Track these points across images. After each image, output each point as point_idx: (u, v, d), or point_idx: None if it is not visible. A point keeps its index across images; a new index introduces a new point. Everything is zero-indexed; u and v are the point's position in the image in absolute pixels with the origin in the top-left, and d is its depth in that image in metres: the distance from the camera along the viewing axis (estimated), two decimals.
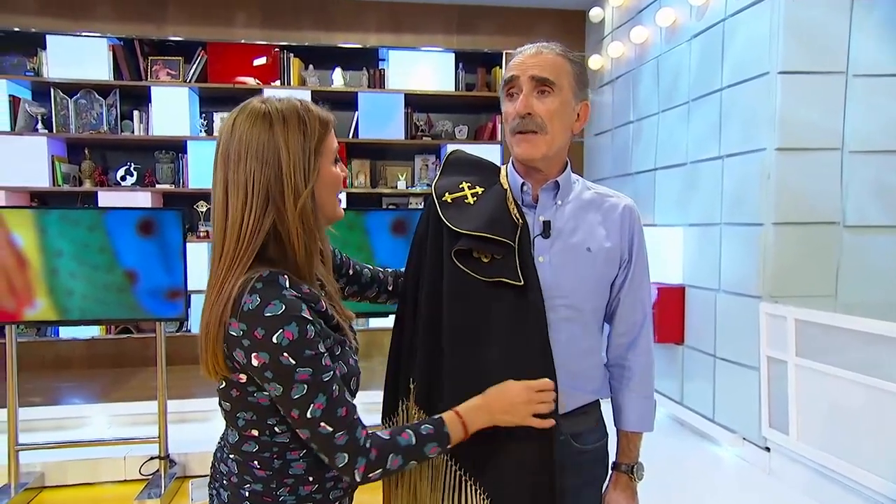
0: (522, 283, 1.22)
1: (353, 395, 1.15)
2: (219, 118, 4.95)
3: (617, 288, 1.36)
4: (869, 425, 2.50)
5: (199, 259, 4.82)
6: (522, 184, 1.33)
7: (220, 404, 1.12)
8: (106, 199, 4.70)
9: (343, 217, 1.18)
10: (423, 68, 5.17)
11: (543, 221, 1.30)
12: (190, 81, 4.87)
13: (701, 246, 3.60)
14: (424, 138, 5.25)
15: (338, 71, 5.10)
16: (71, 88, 4.75)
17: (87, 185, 4.78)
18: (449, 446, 1.11)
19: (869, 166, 3.06)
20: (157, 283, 2.95)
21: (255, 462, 1.09)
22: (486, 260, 1.26)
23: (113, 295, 2.93)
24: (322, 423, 1.01)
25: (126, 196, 4.73)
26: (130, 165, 4.90)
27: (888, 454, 2.42)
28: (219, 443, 1.19)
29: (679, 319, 3.75)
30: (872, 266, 3.08)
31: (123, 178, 4.89)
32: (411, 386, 1.32)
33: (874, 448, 2.48)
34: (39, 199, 4.84)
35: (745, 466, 3.18)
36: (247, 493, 1.09)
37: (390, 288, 1.49)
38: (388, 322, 1.44)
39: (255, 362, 0.99)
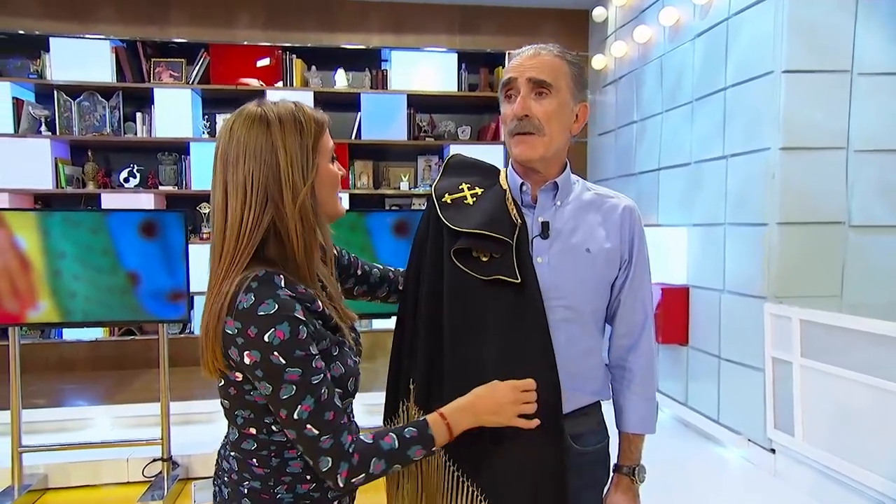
0: (520, 281, 1.23)
1: (352, 396, 1.16)
2: (221, 120, 4.95)
3: (617, 289, 1.36)
4: (875, 427, 2.48)
5: (201, 261, 4.78)
6: (521, 184, 1.34)
7: (221, 402, 1.14)
8: (109, 200, 4.71)
9: (344, 214, 1.19)
10: (426, 69, 5.17)
11: (542, 222, 1.30)
12: (192, 83, 4.88)
13: (705, 246, 3.58)
14: (427, 139, 5.24)
15: (340, 72, 5.10)
16: (74, 90, 4.76)
17: (91, 187, 4.79)
18: (434, 448, 1.11)
19: (874, 165, 3.04)
20: (160, 284, 2.95)
21: (254, 460, 1.10)
22: (484, 259, 1.26)
23: (115, 297, 2.93)
24: (308, 426, 1.01)
25: (129, 198, 4.73)
26: (133, 167, 4.91)
27: (894, 455, 2.40)
28: (223, 440, 1.21)
29: (683, 320, 3.73)
30: (878, 266, 3.06)
31: (126, 180, 4.89)
32: (411, 387, 1.32)
33: (880, 449, 2.46)
34: (43, 202, 4.85)
35: (751, 468, 3.16)
36: (246, 490, 1.11)
37: (400, 287, 1.48)
38: (392, 323, 1.46)
39: (247, 360, 1.00)
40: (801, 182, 3.01)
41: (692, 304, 3.71)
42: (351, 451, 1.03)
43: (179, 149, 4.92)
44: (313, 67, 5.10)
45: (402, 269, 1.51)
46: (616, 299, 1.37)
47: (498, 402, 1.14)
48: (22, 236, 2.85)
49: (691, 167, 3.73)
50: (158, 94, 4.77)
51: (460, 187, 1.37)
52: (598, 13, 4.87)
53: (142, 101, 4.90)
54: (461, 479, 1.25)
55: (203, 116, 5.02)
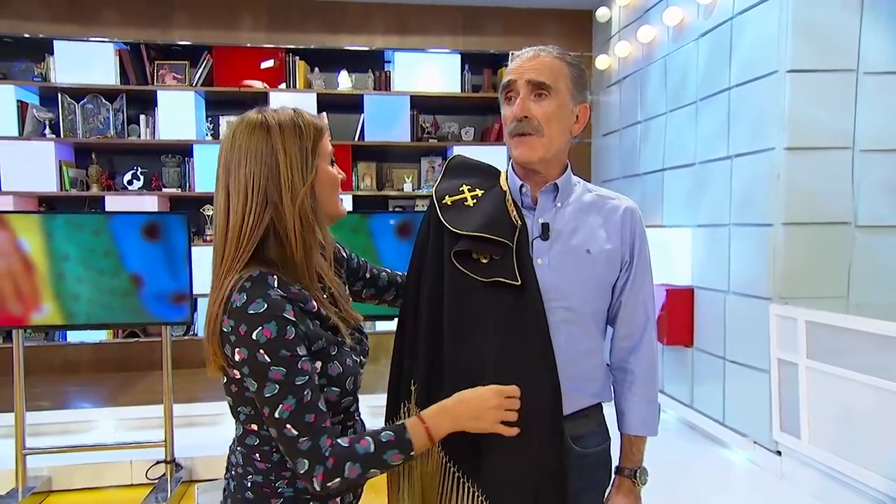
0: (520, 283, 1.23)
1: (352, 395, 1.17)
2: (225, 122, 4.96)
3: (618, 290, 1.36)
4: (882, 428, 2.46)
5: (205, 263, 4.77)
6: (521, 186, 1.34)
7: (227, 399, 1.17)
8: (113, 203, 4.72)
9: (345, 215, 1.23)
10: (429, 70, 5.16)
11: (542, 223, 1.31)
12: (196, 85, 4.88)
13: (710, 247, 3.56)
14: (430, 140, 5.23)
15: (343, 73, 5.09)
16: (78, 93, 4.77)
17: (95, 190, 4.80)
18: (413, 453, 1.09)
19: (881, 165, 3.02)
20: (163, 287, 2.95)
21: (257, 455, 1.14)
22: (484, 261, 1.26)
23: (118, 299, 2.93)
24: (288, 426, 1.03)
25: (133, 200, 4.74)
26: (137, 170, 4.92)
27: None
28: (234, 435, 1.24)
29: (688, 322, 3.71)
30: (885, 266, 3.04)
31: (130, 183, 4.90)
32: (412, 388, 1.33)
33: (887, 452, 2.43)
34: (47, 204, 4.86)
35: (757, 471, 3.14)
36: (249, 484, 1.14)
37: None
38: (394, 325, 1.47)
39: (237, 357, 1.04)
40: (806, 182, 3.00)
41: (697, 306, 3.69)
42: (327, 454, 1.03)
43: (183, 151, 4.92)
44: (316, 69, 5.09)
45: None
46: (617, 301, 1.36)
47: (481, 406, 1.13)
48: (25, 239, 2.85)
49: (696, 168, 3.71)
50: (162, 96, 4.78)
51: (461, 189, 1.37)
52: (601, 13, 4.85)
53: (145, 104, 4.90)
54: (462, 481, 1.26)
55: (206, 118, 5.03)
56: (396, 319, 1.45)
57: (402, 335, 1.38)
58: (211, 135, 4.99)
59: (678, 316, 3.72)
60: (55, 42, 4.67)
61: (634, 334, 1.37)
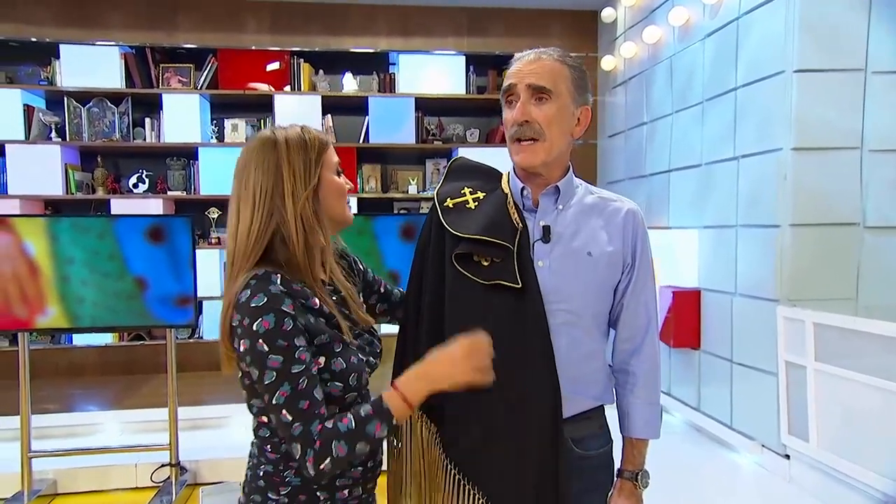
0: (520, 286, 1.23)
1: (356, 391, 1.20)
2: (229, 124, 4.96)
3: (620, 293, 1.36)
4: (891, 432, 2.43)
5: (210, 265, 4.84)
6: (522, 188, 1.34)
7: (243, 393, 1.23)
8: (118, 206, 4.73)
9: (352, 222, 1.31)
10: (434, 72, 5.15)
11: (543, 226, 1.31)
12: (201, 88, 4.89)
13: (716, 248, 3.54)
14: (435, 142, 5.22)
15: (348, 76, 5.09)
16: (84, 97, 4.79)
17: (100, 193, 4.81)
18: (394, 421, 1.12)
19: (889, 165, 2.99)
20: (167, 289, 2.95)
21: (268, 446, 1.21)
22: (485, 263, 1.27)
23: (123, 302, 2.93)
24: (283, 411, 1.08)
25: (138, 203, 4.76)
26: (142, 173, 4.93)
27: None
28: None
29: (695, 324, 3.69)
30: (894, 268, 3.00)
31: (136, 186, 4.91)
32: None
33: None
34: (53, 207, 4.88)
35: (765, 474, 3.11)
36: (261, 473, 1.22)
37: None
38: (397, 328, 1.49)
39: (241, 348, 1.11)
40: (814, 183, 2.97)
41: (704, 308, 3.66)
42: (315, 438, 1.07)
43: (188, 154, 4.93)
44: (321, 71, 5.10)
45: None
46: (619, 303, 1.36)
47: (450, 360, 1.15)
48: (30, 242, 2.86)
49: (702, 168, 3.69)
50: (167, 99, 4.79)
51: (462, 191, 1.37)
52: (607, 14, 4.84)
53: (150, 107, 4.92)
54: (462, 483, 1.26)
55: (211, 121, 5.04)
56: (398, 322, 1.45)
57: (404, 337, 1.38)
58: (216, 137, 4.99)
59: (685, 318, 3.69)
60: (61, 46, 4.69)
61: (636, 336, 1.37)
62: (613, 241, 1.32)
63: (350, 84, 5.09)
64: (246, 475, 1.27)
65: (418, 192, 5.21)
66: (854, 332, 2.60)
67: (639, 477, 1.37)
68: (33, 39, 4.72)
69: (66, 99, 4.74)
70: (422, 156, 5.36)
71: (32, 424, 2.98)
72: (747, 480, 3.11)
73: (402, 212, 5.23)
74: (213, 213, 4.93)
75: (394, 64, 5.25)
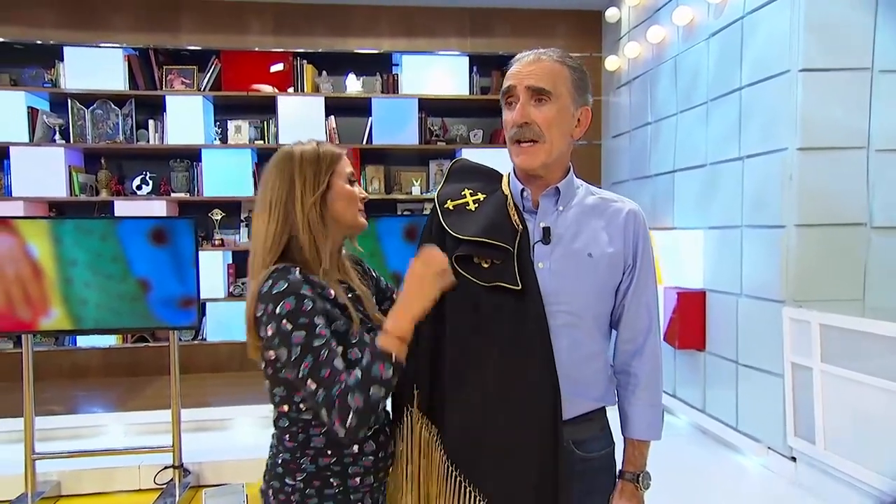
0: (520, 287, 1.24)
1: None
2: (233, 126, 4.96)
3: (622, 294, 1.36)
4: None
5: (214, 267, 4.85)
6: (522, 190, 1.34)
7: (265, 383, 1.33)
8: (122, 208, 4.74)
9: (365, 227, 1.40)
10: (437, 72, 5.14)
11: (543, 227, 1.31)
12: (204, 90, 4.89)
13: (722, 249, 3.52)
14: (439, 143, 5.22)
15: (351, 77, 5.09)
16: (88, 99, 4.79)
17: (104, 195, 4.81)
18: (395, 358, 1.19)
19: None
20: (170, 291, 2.95)
21: (287, 435, 1.32)
22: (486, 265, 1.28)
23: (126, 304, 2.93)
24: (308, 381, 1.18)
25: (142, 205, 4.76)
26: (146, 174, 4.93)
27: None
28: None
29: (700, 325, 3.67)
30: None
31: (139, 188, 4.92)
32: (415, 392, 1.34)
33: None
34: (57, 209, 4.89)
35: (771, 477, 3.09)
36: (280, 461, 1.32)
37: None
38: None
39: (268, 332, 1.21)
40: (819, 183, 2.95)
41: (709, 309, 3.64)
42: (335, 399, 1.17)
43: (191, 156, 4.93)
44: (324, 73, 5.09)
45: None
46: (620, 304, 1.36)
47: (414, 279, 1.23)
48: (34, 244, 2.86)
49: (707, 169, 3.67)
50: (170, 101, 4.79)
51: (462, 193, 1.38)
52: (611, 14, 4.82)
53: (154, 109, 4.92)
54: (463, 485, 1.26)
55: (215, 123, 5.04)
56: None
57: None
58: (219, 139, 4.99)
59: (690, 319, 3.67)
60: (65, 48, 4.70)
61: (638, 338, 1.37)
62: (614, 242, 1.32)
63: (353, 85, 5.09)
64: (266, 463, 1.37)
65: (422, 194, 5.20)
66: (861, 333, 2.58)
67: (640, 479, 1.37)
68: (38, 42, 4.72)
69: (69, 101, 4.75)
70: (425, 157, 5.35)
71: (36, 426, 2.98)
72: (753, 483, 3.08)
73: (405, 213, 5.22)
74: (217, 215, 4.93)
75: (397, 65, 5.25)
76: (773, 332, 3.04)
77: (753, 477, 3.13)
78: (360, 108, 5.10)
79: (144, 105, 4.92)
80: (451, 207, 1.36)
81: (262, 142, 5.00)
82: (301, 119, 4.91)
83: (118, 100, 4.83)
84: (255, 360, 1.31)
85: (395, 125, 5.05)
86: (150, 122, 4.88)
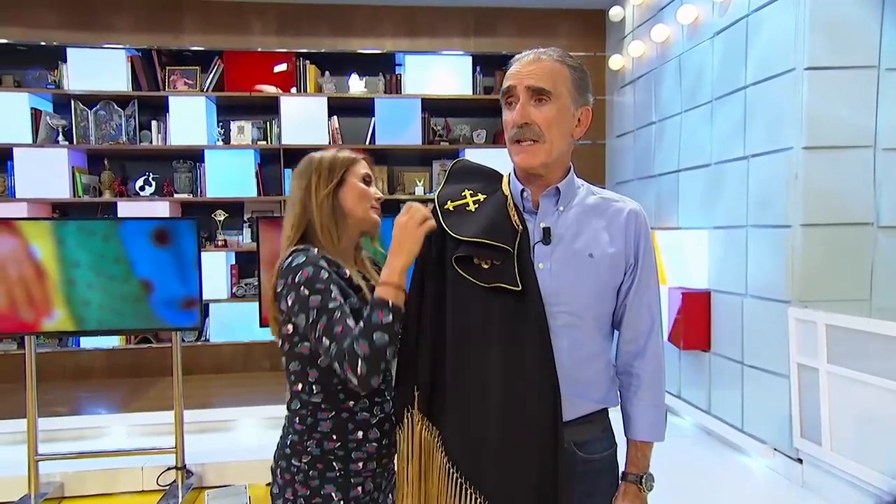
0: (521, 288, 1.23)
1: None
2: (236, 127, 4.95)
3: (623, 294, 1.35)
4: None
5: (217, 268, 4.84)
6: (522, 190, 1.34)
7: (282, 360, 1.46)
8: (125, 209, 4.74)
9: (376, 223, 1.52)
10: (440, 72, 5.13)
11: (543, 228, 1.31)
12: (207, 91, 4.89)
13: (727, 249, 3.49)
14: (442, 143, 5.20)
15: (354, 77, 5.08)
16: (91, 100, 4.80)
17: (107, 196, 4.81)
18: (391, 304, 1.27)
19: None
20: (173, 292, 2.95)
21: (296, 418, 1.42)
22: (486, 266, 1.27)
23: (129, 305, 2.93)
24: (324, 339, 1.28)
25: (145, 206, 4.76)
26: (149, 175, 4.93)
27: None
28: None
29: (705, 325, 3.64)
30: None
31: (142, 188, 4.92)
32: (416, 394, 1.34)
33: None
34: (60, 211, 4.89)
35: (777, 478, 3.07)
36: (288, 442, 1.43)
37: None
38: None
39: (289, 302, 1.34)
40: (825, 182, 2.93)
41: (714, 309, 3.62)
42: (345, 351, 1.25)
43: (194, 156, 4.93)
44: (327, 73, 5.08)
45: None
46: (622, 304, 1.36)
47: (400, 230, 1.32)
48: (37, 245, 2.87)
49: (711, 168, 3.65)
50: (173, 102, 4.79)
51: (462, 194, 1.38)
52: (615, 13, 4.80)
53: (157, 110, 4.92)
54: (463, 485, 1.26)
55: (217, 124, 5.03)
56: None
57: (406, 340, 1.38)
58: (222, 140, 4.99)
59: (695, 320, 3.65)
60: (68, 49, 4.70)
61: (640, 338, 1.36)
62: (615, 242, 1.32)
63: (356, 85, 5.08)
64: (278, 444, 1.47)
65: (425, 194, 5.18)
66: (868, 333, 2.56)
67: (643, 480, 1.36)
68: (41, 43, 4.73)
69: (73, 102, 4.75)
70: (428, 157, 5.33)
71: (39, 427, 2.99)
72: (759, 484, 3.06)
73: None
74: (220, 216, 4.93)
75: (400, 65, 5.24)
76: (779, 332, 3.02)
77: (759, 478, 3.11)
78: (363, 108, 5.09)
79: (147, 106, 4.92)
80: (451, 208, 1.35)
81: (264, 142, 4.99)
82: (304, 119, 4.90)
83: (121, 101, 4.83)
84: (275, 337, 1.44)
85: (398, 125, 5.04)
86: (153, 122, 4.88)
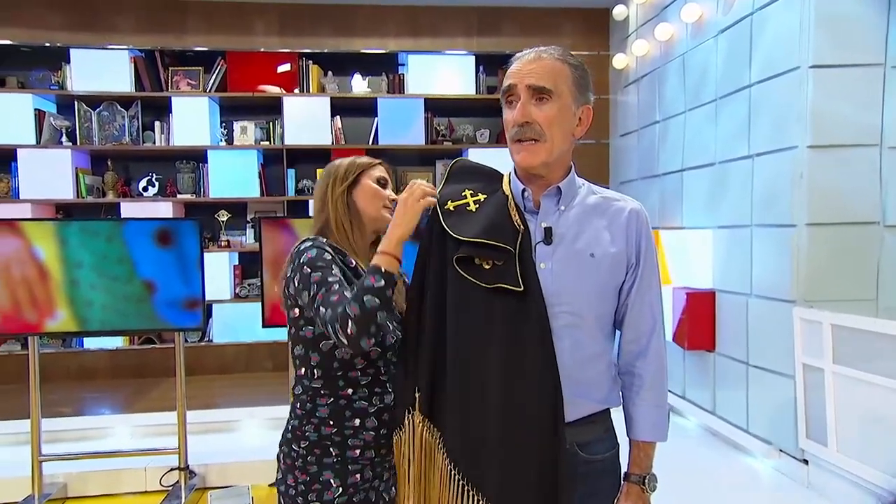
0: (522, 289, 1.23)
1: (377, 344, 1.38)
2: (238, 127, 4.95)
3: (625, 293, 1.34)
4: None
5: (221, 269, 4.85)
6: (523, 190, 1.34)
7: (289, 344, 1.57)
8: (128, 209, 4.75)
9: (386, 223, 1.52)
10: (444, 72, 5.12)
11: (545, 228, 1.30)
12: (210, 91, 4.89)
13: (731, 249, 3.47)
14: (445, 143, 5.19)
15: (357, 77, 5.08)
16: (94, 101, 4.81)
17: (111, 197, 4.83)
18: (384, 269, 1.31)
19: None
20: (175, 293, 2.95)
21: (298, 403, 1.48)
22: (487, 266, 1.26)
23: (132, 305, 2.93)
24: (320, 308, 1.33)
25: (148, 207, 4.76)
26: (152, 176, 4.94)
27: None
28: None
29: (710, 326, 3.63)
30: None
31: (146, 189, 4.93)
32: (417, 395, 1.33)
33: None
34: (64, 211, 4.90)
35: (782, 480, 3.05)
36: (290, 427, 1.49)
37: None
38: None
39: (295, 283, 1.41)
40: (830, 181, 2.90)
41: (719, 309, 3.60)
42: (338, 314, 1.29)
43: (197, 157, 4.93)
44: (329, 73, 5.08)
45: None
46: (624, 304, 1.35)
47: (400, 204, 1.39)
48: (40, 246, 2.87)
49: (716, 167, 3.63)
50: (176, 102, 4.80)
51: (463, 194, 1.37)
52: (618, 11, 4.78)
53: (160, 110, 4.93)
54: (464, 486, 1.25)
55: (220, 124, 5.04)
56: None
57: (406, 341, 1.38)
58: (225, 140, 4.99)
59: (699, 320, 3.63)
60: (71, 50, 4.72)
61: (642, 338, 1.35)
62: (617, 242, 1.31)
63: (359, 85, 5.07)
64: (284, 427, 1.53)
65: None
66: (874, 333, 2.54)
67: (646, 480, 1.35)
68: (45, 44, 4.74)
69: (76, 103, 4.77)
70: (431, 157, 5.33)
71: (43, 428, 2.99)
72: (764, 486, 3.04)
73: None
74: (223, 216, 4.93)
75: (403, 65, 5.23)
76: (784, 332, 3.00)
77: (764, 480, 3.09)
78: (365, 108, 5.09)
79: (150, 106, 4.92)
80: (451, 208, 1.35)
81: (267, 143, 4.99)
82: (307, 120, 4.90)
83: (124, 101, 4.84)
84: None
85: (401, 125, 5.03)
86: (157, 123, 4.89)
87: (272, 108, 5.00)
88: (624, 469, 1.39)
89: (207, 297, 3.07)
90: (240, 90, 4.90)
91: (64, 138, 4.75)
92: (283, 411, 1.52)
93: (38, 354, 2.98)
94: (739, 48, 3.38)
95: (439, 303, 1.30)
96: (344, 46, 5.02)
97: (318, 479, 1.42)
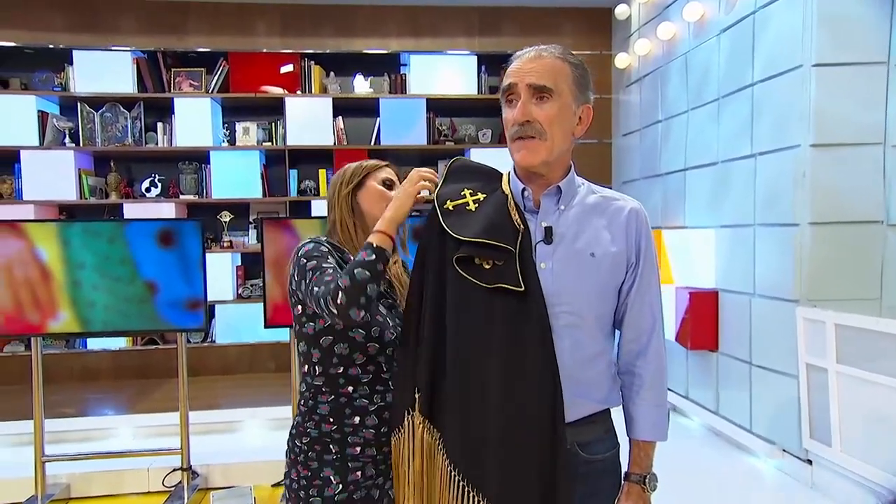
0: (523, 289, 1.22)
1: (375, 342, 1.46)
2: (241, 128, 4.96)
3: (625, 293, 1.34)
4: None
5: (223, 269, 4.85)
6: (523, 189, 1.33)
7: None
8: (131, 210, 4.75)
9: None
10: (445, 72, 5.12)
11: (545, 227, 1.29)
12: (212, 92, 4.90)
13: (734, 248, 3.46)
14: (447, 143, 5.19)
15: (359, 77, 5.08)
16: (97, 102, 4.82)
17: (113, 198, 4.84)
18: (376, 245, 1.34)
19: None
20: (178, 294, 2.95)
21: (302, 401, 1.52)
22: (487, 266, 1.26)
23: (134, 306, 2.94)
24: (314, 288, 1.36)
25: (151, 207, 4.77)
26: (155, 177, 4.95)
27: None
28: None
29: (712, 325, 3.62)
30: None
31: (148, 190, 4.94)
32: (416, 396, 1.33)
33: None
34: (67, 212, 4.91)
35: (786, 480, 3.04)
36: (295, 423, 1.53)
37: None
38: None
39: (296, 278, 1.44)
40: (833, 180, 2.89)
41: (721, 309, 3.59)
42: (330, 288, 1.31)
43: (200, 158, 4.94)
44: (332, 73, 5.09)
45: None
46: (623, 304, 1.35)
47: (399, 189, 1.45)
48: (42, 247, 2.87)
49: (718, 167, 3.62)
50: (179, 103, 4.80)
51: (462, 193, 1.37)
52: (620, 10, 4.77)
53: (162, 111, 4.94)
54: (465, 486, 1.25)
55: (223, 125, 5.04)
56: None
57: (406, 342, 1.38)
58: (227, 141, 5.00)
59: (702, 319, 3.62)
60: (74, 52, 4.73)
61: (642, 337, 1.35)
62: (616, 241, 1.30)
63: (361, 86, 5.07)
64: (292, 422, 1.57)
65: (430, 194, 5.15)
66: (877, 333, 2.53)
67: (647, 480, 1.35)
68: (48, 46, 4.75)
69: (79, 104, 4.77)
70: (434, 157, 5.31)
71: (46, 428, 2.99)
72: (768, 486, 3.04)
73: (414, 213, 5.17)
74: (226, 217, 4.92)
75: (405, 65, 5.23)
76: (787, 332, 2.99)
77: (768, 480, 3.08)
78: (367, 108, 5.09)
79: (153, 107, 4.93)
80: (450, 208, 1.34)
81: (270, 143, 5.00)
82: (309, 120, 4.90)
83: (127, 102, 4.85)
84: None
85: (403, 125, 5.03)
86: (159, 124, 4.90)
87: (274, 109, 5.00)
88: (624, 469, 1.38)
89: (210, 298, 3.08)
90: (242, 91, 4.91)
91: (67, 139, 4.76)
92: (286, 412, 1.54)
93: (41, 355, 2.98)
94: (742, 47, 3.37)
95: (439, 303, 1.30)
96: (345, 47, 5.02)
97: (318, 475, 1.44)
